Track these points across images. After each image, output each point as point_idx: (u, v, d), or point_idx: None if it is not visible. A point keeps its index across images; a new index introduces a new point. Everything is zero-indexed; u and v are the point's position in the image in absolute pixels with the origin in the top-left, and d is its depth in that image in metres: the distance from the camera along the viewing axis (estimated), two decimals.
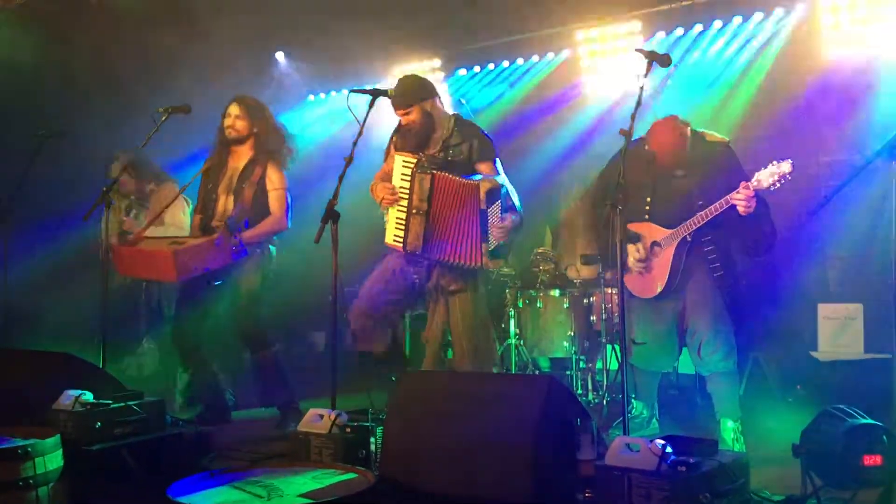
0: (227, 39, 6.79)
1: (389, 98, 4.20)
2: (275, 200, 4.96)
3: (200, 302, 4.92)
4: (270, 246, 5.04)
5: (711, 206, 4.02)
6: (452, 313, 4.41)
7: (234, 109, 4.99)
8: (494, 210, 4.25)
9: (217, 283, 4.88)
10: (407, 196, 4.28)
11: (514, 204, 4.35)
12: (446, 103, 4.85)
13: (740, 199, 3.92)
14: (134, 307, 6.23)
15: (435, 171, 4.26)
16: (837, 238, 6.06)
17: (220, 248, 4.66)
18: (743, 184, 3.92)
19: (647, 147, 4.29)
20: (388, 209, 4.36)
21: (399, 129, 4.54)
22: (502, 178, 4.36)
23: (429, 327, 4.51)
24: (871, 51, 5.82)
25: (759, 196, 3.97)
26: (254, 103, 5.05)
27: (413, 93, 4.41)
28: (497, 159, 4.47)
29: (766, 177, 3.86)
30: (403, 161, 4.33)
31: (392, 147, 4.60)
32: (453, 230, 4.27)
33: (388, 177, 4.44)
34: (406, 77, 4.56)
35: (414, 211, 4.27)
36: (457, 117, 4.52)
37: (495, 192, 4.25)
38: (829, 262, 6.17)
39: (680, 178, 4.23)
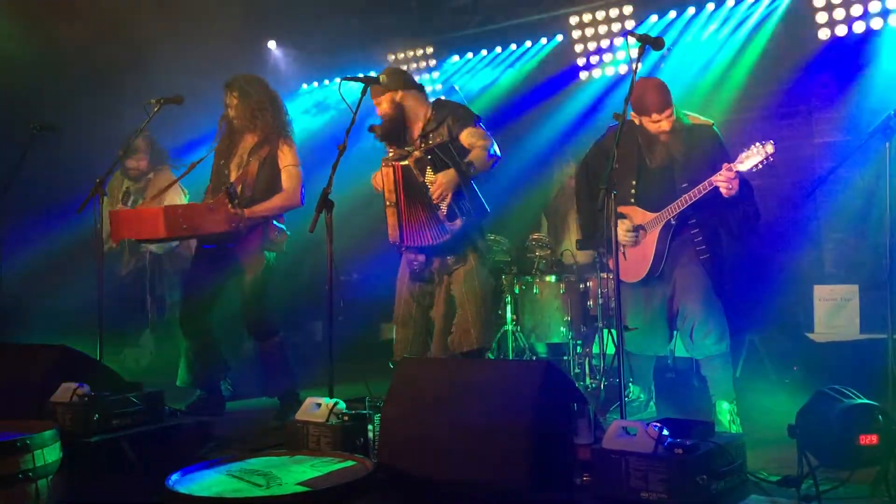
0: (219, 29, 6.75)
1: (381, 85, 4.20)
2: (287, 177, 4.87)
3: (208, 278, 4.87)
4: (278, 223, 4.94)
5: (695, 189, 4.03)
6: (455, 286, 4.48)
7: (230, 99, 4.91)
8: (429, 176, 4.30)
9: (207, 247, 4.85)
10: (382, 191, 4.40)
11: (446, 161, 4.33)
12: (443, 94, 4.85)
13: (722, 181, 3.92)
14: (137, 299, 6.25)
15: (394, 163, 4.34)
16: (832, 219, 6.08)
17: (214, 211, 4.63)
18: (725, 165, 3.93)
19: (633, 118, 4.25)
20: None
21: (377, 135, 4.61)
22: (428, 147, 4.36)
23: (436, 307, 4.55)
24: (864, 32, 5.81)
25: (742, 178, 3.98)
26: (247, 83, 4.92)
27: (384, 84, 4.45)
28: (479, 122, 4.50)
29: (749, 158, 3.87)
30: (382, 159, 4.44)
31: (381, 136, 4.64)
32: (417, 215, 4.35)
33: None
34: (385, 69, 4.59)
35: (387, 203, 4.39)
36: (434, 103, 4.57)
37: (422, 161, 4.29)
38: (825, 244, 6.18)
39: (664, 161, 4.23)
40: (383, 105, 4.50)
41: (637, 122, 4.23)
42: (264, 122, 4.88)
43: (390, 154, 4.48)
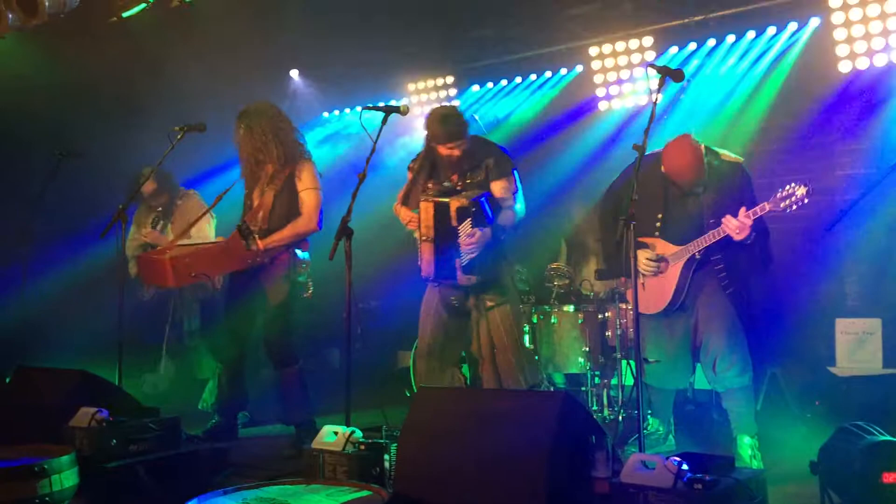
0: (242, 58, 6.84)
1: (402, 114, 4.22)
2: (305, 200, 4.86)
3: (242, 310, 4.88)
4: (299, 251, 4.91)
5: (716, 230, 4.04)
6: (494, 328, 4.50)
7: (237, 133, 4.91)
8: (465, 227, 4.31)
9: (239, 273, 4.85)
10: (418, 225, 4.43)
11: (486, 217, 4.36)
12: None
13: (731, 228, 3.94)
14: (158, 325, 6.28)
15: (436, 199, 4.37)
16: (855, 252, 6.01)
17: (228, 250, 4.63)
18: (742, 210, 3.93)
19: (661, 168, 4.28)
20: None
21: (429, 156, 4.59)
22: (475, 194, 4.37)
23: (475, 344, 4.57)
24: (886, 66, 5.79)
25: (762, 225, 3.98)
26: (255, 116, 4.89)
27: (463, 129, 4.46)
28: (515, 171, 4.54)
29: (774, 203, 3.87)
30: (421, 194, 4.48)
31: (417, 170, 4.64)
32: (450, 252, 4.37)
33: (407, 198, 4.60)
34: (449, 112, 4.55)
35: (423, 238, 4.42)
36: (473, 139, 4.56)
37: (463, 210, 4.30)
38: (847, 277, 6.12)
39: (692, 197, 4.22)
40: (458, 150, 4.46)
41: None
42: (269, 155, 4.87)
43: (430, 187, 4.51)
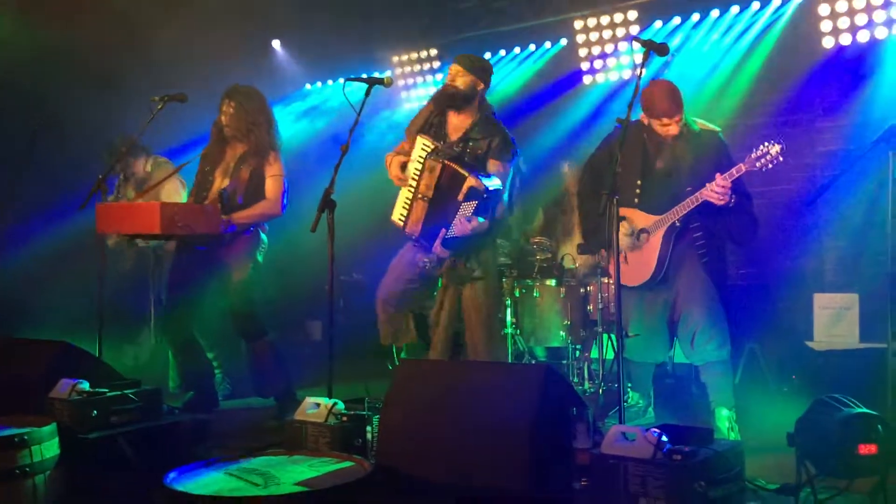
0: (223, 28, 6.76)
1: (385, 86, 4.18)
2: (271, 185, 4.94)
3: (191, 289, 4.91)
4: (262, 233, 5.04)
5: (696, 194, 4.03)
6: (464, 302, 4.45)
7: (227, 108, 4.93)
8: (467, 206, 4.27)
9: (201, 249, 4.87)
10: (416, 179, 4.34)
11: (492, 213, 4.35)
12: None
13: (712, 193, 3.94)
14: (138, 297, 6.24)
15: (446, 161, 4.30)
16: (833, 228, 6.07)
17: (208, 214, 4.67)
18: (718, 175, 3.93)
19: (642, 119, 4.26)
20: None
21: (434, 98, 4.54)
22: (494, 183, 4.34)
23: (436, 310, 4.53)
24: (868, 42, 5.81)
25: (743, 190, 3.98)
26: (246, 97, 4.95)
27: (479, 65, 4.44)
28: (511, 163, 4.48)
29: (749, 163, 3.87)
30: (423, 144, 4.39)
31: (416, 121, 4.61)
32: (441, 217, 4.32)
33: (404, 154, 4.50)
34: (477, 57, 4.54)
35: (420, 196, 4.35)
36: (484, 114, 4.52)
37: (476, 192, 4.25)
38: (826, 252, 6.18)
39: (670, 164, 4.23)
40: (460, 81, 4.39)
41: (646, 122, 4.23)
42: (258, 136, 4.93)
43: (430, 144, 4.38)
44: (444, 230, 4.31)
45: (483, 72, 4.47)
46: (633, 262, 4.30)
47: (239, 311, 4.96)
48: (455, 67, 4.44)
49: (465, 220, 4.27)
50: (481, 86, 4.45)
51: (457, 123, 4.48)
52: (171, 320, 5.04)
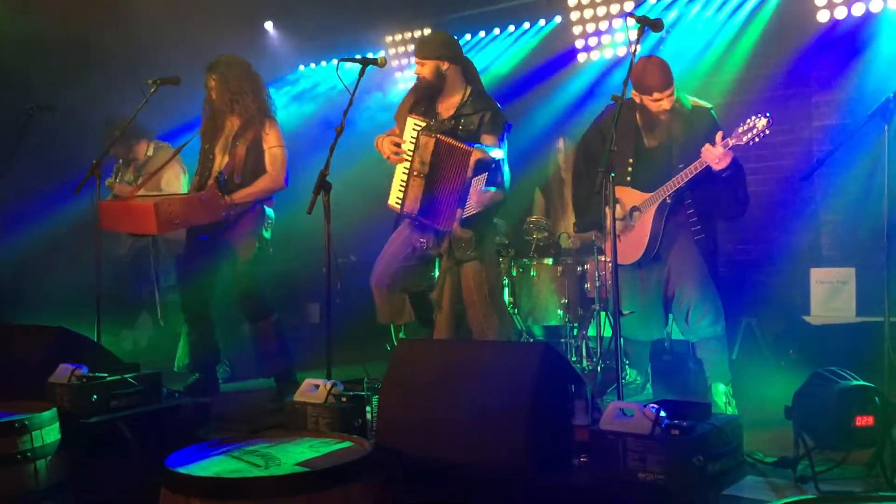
0: (215, 9, 6.71)
1: (379, 66, 4.15)
2: (271, 158, 4.86)
3: (204, 266, 4.87)
4: (266, 207, 4.96)
5: (690, 166, 4.02)
6: (465, 282, 4.41)
7: (211, 82, 4.89)
8: (479, 180, 4.22)
9: (202, 238, 4.84)
10: (410, 157, 4.28)
11: (502, 181, 4.32)
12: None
13: (711, 157, 3.90)
14: (136, 281, 6.24)
15: (439, 136, 4.24)
16: (830, 202, 6.07)
17: (206, 203, 4.62)
18: (719, 137, 3.90)
19: (632, 91, 4.23)
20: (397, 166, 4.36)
21: (414, 87, 4.49)
22: (498, 153, 4.31)
23: (438, 292, 4.47)
24: (863, 15, 5.78)
25: (736, 161, 3.97)
26: (227, 66, 4.87)
27: (433, 48, 4.36)
28: (504, 136, 4.42)
29: (737, 137, 3.86)
30: (414, 123, 4.32)
31: (403, 106, 4.55)
32: (445, 195, 4.25)
33: (396, 137, 4.44)
34: (435, 32, 4.48)
35: (415, 173, 4.28)
36: (474, 88, 4.47)
37: (484, 163, 4.20)
38: (822, 227, 6.19)
39: (663, 141, 4.22)
40: (425, 70, 4.34)
41: (638, 100, 4.21)
42: (243, 107, 4.85)
43: (422, 121, 4.31)
44: (459, 210, 4.22)
45: (437, 50, 4.34)
46: (625, 240, 4.29)
47: (245, 292, 4.91)
48: (416, 59, 4.40)
49: (479, 194, 4.21)
50: (445, 64, 4.34)
51: (446, 104, 4.44)
52: (189, 303, 4.98)
